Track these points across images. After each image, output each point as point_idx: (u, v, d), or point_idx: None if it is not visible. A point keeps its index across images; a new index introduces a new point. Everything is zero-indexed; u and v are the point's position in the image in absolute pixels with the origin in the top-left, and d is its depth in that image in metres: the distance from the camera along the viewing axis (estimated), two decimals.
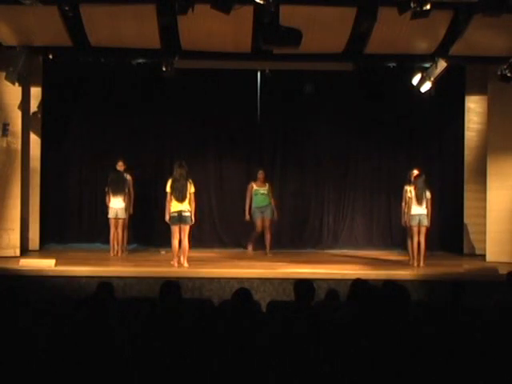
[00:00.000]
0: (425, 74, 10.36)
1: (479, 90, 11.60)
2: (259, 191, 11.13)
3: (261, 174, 11.20)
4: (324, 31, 9.23)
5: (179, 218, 9.64)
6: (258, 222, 11.09)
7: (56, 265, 9.22)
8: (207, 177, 12.20)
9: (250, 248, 11.33)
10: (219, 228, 12.30)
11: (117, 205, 10.75)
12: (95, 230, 12.03)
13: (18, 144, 10.74)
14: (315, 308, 5.25)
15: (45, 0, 8.53)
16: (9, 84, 10.15)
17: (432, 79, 10.25)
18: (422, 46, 9.85)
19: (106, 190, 10.88)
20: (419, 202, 10.04)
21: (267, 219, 11.11)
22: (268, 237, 11.14)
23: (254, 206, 11.08)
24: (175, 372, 4.21)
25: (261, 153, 12.35)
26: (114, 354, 4.30)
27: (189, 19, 8.70)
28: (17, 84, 10.24)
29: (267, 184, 11.24)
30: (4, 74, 10.09)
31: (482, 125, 11.65)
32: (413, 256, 10.12)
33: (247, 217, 11.09)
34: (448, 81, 10.63)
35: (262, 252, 11.14)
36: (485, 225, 11.10)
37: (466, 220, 11.73)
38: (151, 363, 4.24)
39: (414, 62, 10.52)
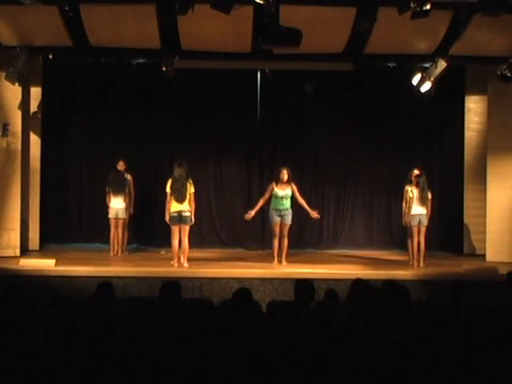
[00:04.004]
0: (425, 74, 10.35)
1: (479, 90, 11.59)
2: (279, 194, 9.85)
3: (284, 174, 9.84)
4: (324, 31, 9.24)
5: (179, 218, 9.64)
6: (276, 227, 9.91)
7: (56, 265, 9.23)
8: (207, 177, 12.19)
9: (276, 260, 9.99)
10: (219, 228, 12.28)
11: (117, 205, 10.76)
12: (95, 230, 12.01)
13: (18, 144, 10.75)
14: (315, 308, 5.25)
15: (45, 0, 8.54)
16: (9, 84, 10.16)
17: (432, 79, 10.24)
18: (422, 45, 9.85)
19: (107, 190, 10.88)
20: (421, 202, 10.03)
21: (285, 225, 9.93)
22: (285, 244, 9.95)
23: (272, 207, 9.92)
24: (175, 372, 4.21)
25: (261, 153, 12.33)
26: (114, 354, 4.30)
27: (189, 19, 8.70)
28: (17, 84, 10.25)
29: (290, 186, 9.93)
30: (4, 74, 10.10)
31: (482, 125, 11.65)
32: (413, 256, 10.12)
33: (250, 214, 9.93)
34: (448, 81, 10.63)
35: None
36: (485, 225, 11.08)
37: (465, 220, 11.73)
38: (151, 363, 4.24)
39: (413, 62, 10.52)
